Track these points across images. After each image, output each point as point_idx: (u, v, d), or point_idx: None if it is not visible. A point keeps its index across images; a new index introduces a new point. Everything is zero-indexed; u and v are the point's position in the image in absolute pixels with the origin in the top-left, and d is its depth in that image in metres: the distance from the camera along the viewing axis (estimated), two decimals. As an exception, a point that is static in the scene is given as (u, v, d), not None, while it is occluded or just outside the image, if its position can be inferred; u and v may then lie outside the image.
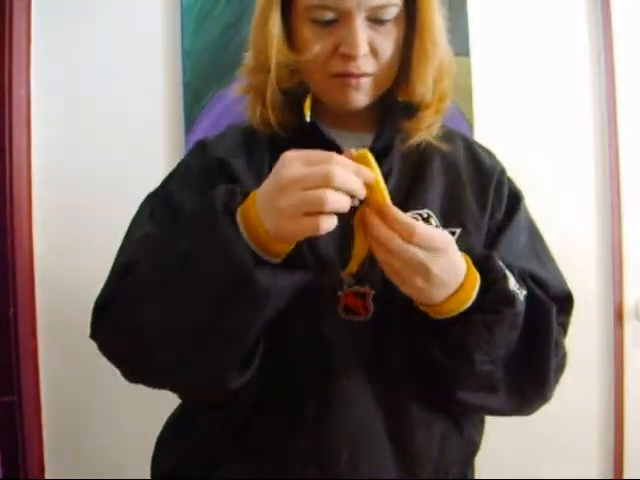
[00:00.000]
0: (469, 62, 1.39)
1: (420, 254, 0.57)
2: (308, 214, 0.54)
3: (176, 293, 0.60)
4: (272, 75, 0.71)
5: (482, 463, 0.83)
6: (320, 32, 0.69)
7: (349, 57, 0.68)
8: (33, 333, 1.28)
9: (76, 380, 1.31)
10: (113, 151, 1.32)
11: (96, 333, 0.70)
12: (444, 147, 0.77)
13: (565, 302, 0.76)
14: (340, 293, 0.69)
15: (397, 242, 0.57)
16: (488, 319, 0.63)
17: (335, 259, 0.69)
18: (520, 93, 1.45)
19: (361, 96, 0.72)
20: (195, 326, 0.60)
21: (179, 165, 0.82)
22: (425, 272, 0.59)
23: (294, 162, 0.55)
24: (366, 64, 0.69)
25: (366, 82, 0.71)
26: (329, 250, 0.69)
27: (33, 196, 1.29)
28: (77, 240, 1.31)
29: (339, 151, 0.71)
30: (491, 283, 0.64)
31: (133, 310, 0.64)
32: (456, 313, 0.63)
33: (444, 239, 0.59)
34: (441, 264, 0.59)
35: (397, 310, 0.69)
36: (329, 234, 0.68)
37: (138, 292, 0.63)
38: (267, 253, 0.58)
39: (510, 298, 0.64)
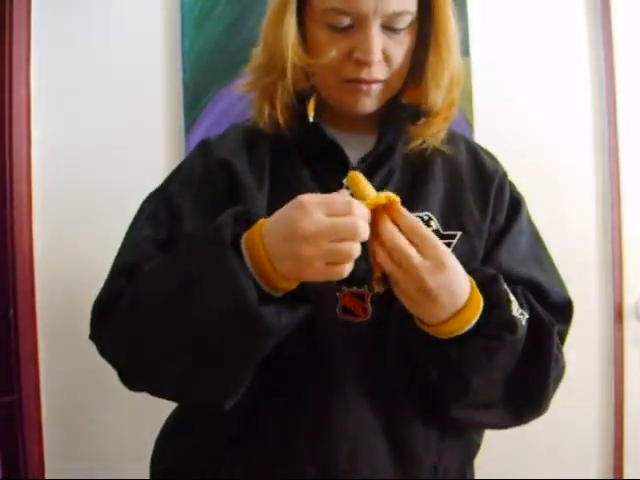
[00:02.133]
0: (469, 62, 1.39)
1: (417, 263, 0.58)
2: (331, 263, 0.56)
3: (178, 316, 0.60)
4: (288, 76, 0.71)
5: (481, 462, 0.83)
6: (335, 37, 0.69)
7: (363, 63, 0.68)
8: (33, 333, 1.28)
9: (76, 380, 1.31)
10: (113, 151, 1.32)
11: (95, 336, 0.71)
12: (446, 150, 0.77)
13: (565, 309, 0.76)
14: (338, 294, 0.69)
15: (411, 255, 0.58)
16: (489, 345, 0.63)
17: None
18: (520, 93, 1.45)
19: (371, 102, 0.72)
20: (195, 351, 0.61)
21: (181, 165, 0.82)
22: (419, 283, 0.59)
23: (316, 210, 0.55)
24: (378, 70, 0.70)
25: (376, 88, 0.71)
26: None
27: (33, 196, 1.29)
28: (77, 240, 1.31)
29: (341, 152, 0.73)
30: (494, 307, 0.63)
31: (132, 324, 0.65)
32: (456, 334, 0.63)
33: (439, 249, 0.59)
34: (436, 277, 0.59)
35: (395, 311, 0.68)
36: None
37: (138, 307, 0.64)
38: (271, 288, 0.59)
39: (513, 324, 0.63)
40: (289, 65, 0.70)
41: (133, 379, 0.68)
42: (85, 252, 1.30)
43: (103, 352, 0.70)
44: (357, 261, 0.68)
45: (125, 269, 0.70)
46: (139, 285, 0.66)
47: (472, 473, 0.81)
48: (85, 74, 1.32)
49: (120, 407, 1.31)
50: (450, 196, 0.75)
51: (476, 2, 1.41)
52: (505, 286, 0.65)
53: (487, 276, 0.66)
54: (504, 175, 0.80)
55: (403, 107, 0.74)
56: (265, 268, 0.57)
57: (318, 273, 0.56)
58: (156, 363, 0.63)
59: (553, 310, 0.73)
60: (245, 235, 0.59)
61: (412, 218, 0.60)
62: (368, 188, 0.62)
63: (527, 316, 0.66)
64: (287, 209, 0.58)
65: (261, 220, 0.60)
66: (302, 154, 0.75)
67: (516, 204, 0.78)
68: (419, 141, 0.75)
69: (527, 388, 0.68)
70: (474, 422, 0.72)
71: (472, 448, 0.78)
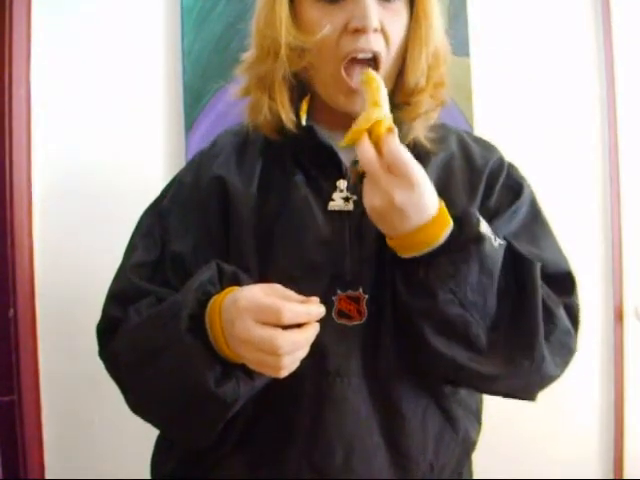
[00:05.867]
0: (469, 62, 1.39)
1: (385, 181, 0.60)
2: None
3: (148, 380, 0.66)
4: (282, 55, 0.70)
5: (480, 462, 0.83)
6: (328, 11, 0.68)
7: (360, 31, 0.67)
8: (33, 333, 1.28)
9: (76, 380, 1.31)
10: (113, 151, 1.32)
11: (101, 356, 0.75)
12: (438, 147, 0.76)
13: (565, 281, 0.74)
14: (334, 298, 0.69)
15: (374, 168, 0.61)
16: (453, 256, 0.63)
17: (328, 265, 0.69)
18: (520, 93, 1.45)
19: (363, 101, 0.70)
20: (165, 410, 0.67)
21: (174, 178, 0.83)
22: (387, 197, 0.61)
23: (246, 316, 0.58)
24: (376, 41, 0.68)
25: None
26: (322, 256, 0.69)
27: (33, 196, 1.29)
28: (77, 240, 1.31)
29: (334, 154, 0.73)
30: (462, 227, 0.64)
31: (117, 374, 0.72)
32: (423, 251, 0.63)
33: (414, 173, 0.61)
34: (403, 194, 0.61)
35: (390, 313, 0.69)
36: (322, 240, 0.69)
37: (120, 363, 0.69)
38: (234, 360, 0.61)
39: (477, 237, 0.63)
40: (283, 43, 0.69)
41: (130, 407, 0.72)
42: (85, 252, 1.30)
43: (108, 373, 0.74)
44: (350, 264, 0.69)
45: (116, 298, 0.74)
46: (119, 342, 0.70)
47: (470, 472, 0.81)
48: (85, 74, 1.32)
49: (120, 407, 1.31)
50: (441, 192, 0.74)
51: (476, 2, 1.41)
52: (478, 214, 0.65)
53: (461, 210, 0.67)
54: (497, 161, 0.79)
55: (396, 106, 0.73)
56: (222, 346, 0.60)
57: (261, 370, 0.60)
58: (140, 407, 0.71)
59: (552, 282, 0.71)
60: (208, 307, 0.62)
61: (392, 143, 0.61)
62: (377, 96, 0.64)
63: (502, 242, 0.66)
64: (230, 301, 0.60)
65: (225, 291, 0.63)
66: (295, 157, 0.75)
67: (518, 188, 0.77)
68: (414, 131, 0.74)
69: (515, 332, 0.66)
70: (457, 362, 0.66)
71: (468, 446, 0.77)
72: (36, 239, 1.29)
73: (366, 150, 0.62)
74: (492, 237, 0.65)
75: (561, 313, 0.71)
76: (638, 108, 1.49)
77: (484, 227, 0.65)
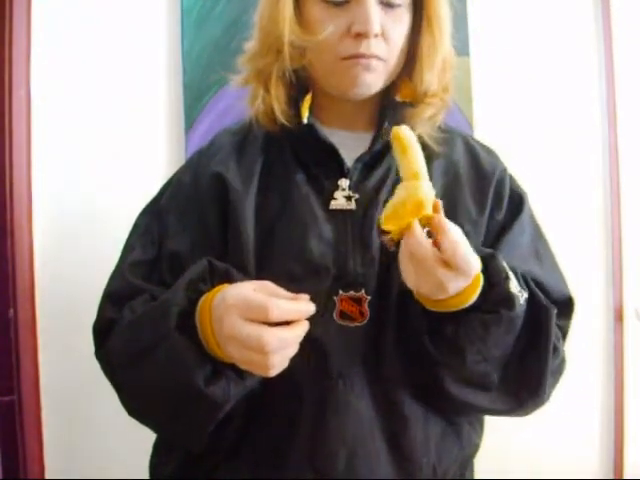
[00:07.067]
0: (469, 62, 1.39)
1: (441, 274, 0.58)
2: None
3: (139, 378, 0.66)
4: (285, 53, 0.70)
5: (481, 463, 0.83)
6: (332, 13, 0.68)
7: (362, 35, 0.67)
8: (33, 333, 1.28)
9: (76, 380, 1.31)
10: (113, 151, 1.32)
11: (97, 357, 0.74)
12: (444, 149, 0.76)
13: (565, 306, 0.76)
14: (335, 298, 0.69)
15: (430, 263, 0.58)
16: (485, 319, 0.63)
17: (330, 265, 0.69)
18: (520, 93, 1.45)
19: (370, 79, 0.70)
20: (156, 410, 0.67)
21: (172, 177, 0.82)
22: (440, 286, 0.60)
23: (233, 312, 0.56)
24: (377, 46, 0.68)
25: (377, 64, 0.69)
26: (324, 256, 0.69)
27: (33, 195, 1.29)
28: (77, 240, 1.31)
29: (335, 153, 0.72)
30: (493, 284, 0.63)
31: (111, 373, 0.71)
32: (453, 309, 0.63)
33: (473, 267, 0.60)
34: (457, 283, 0.60)
35: (392, 314, 0.69)
36: (324, 240, 0.69)
37: (112, 362, 0.70)
38: (224, 360, 0.61)
39: (510, 300, 0.63)
40: (286, 41, 0.69)
41: (125, 408, 0.72)
42: (85, 252, 1.30)
43: (104, 372, 0.74)
44: (352, 264, 0.69)
45: (111, 298, 0.73)
46: (112, 342, 0.70)
47: (472, 473, 0.81)
48: (85, 74, 1.32)
49: (120, 407, 1.31)
50: (447, 195, 0.74)
51: (476, 2, 1.41)
52: (504, 263, 0.65)
53: (486, 254, 0.66)
54: (503, 171, 0.79)
55: (398, 104, 0.74)
56: (212, 346, 0.60)
57: (249, 368, 0.58)
58: (134, 407, 0.70)
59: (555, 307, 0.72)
60: (198, 306, 0.61)
61: (448, 236, 0.58)
62: (415, 164, 0.60)
63: (526, 295, 0.66)
64: (219, 299, 0.59)
65: (216, 289, 0.62)
66: (296, 155, 0.75)
67: (518, 200, 0.78)
68: (418, 129, 0.73)
69: (525, 373, 0.68)
70: (470, 403, 0.69)
71: (471, 448, 0.77)
72: (36, 239, 1.29)
73: (420, 245, 0.59)
74: (519, 295, 0.65)
75: (561, 345, 0.73)
76: (638, 108, 1.49)
77: (513, 285, 0.64)
